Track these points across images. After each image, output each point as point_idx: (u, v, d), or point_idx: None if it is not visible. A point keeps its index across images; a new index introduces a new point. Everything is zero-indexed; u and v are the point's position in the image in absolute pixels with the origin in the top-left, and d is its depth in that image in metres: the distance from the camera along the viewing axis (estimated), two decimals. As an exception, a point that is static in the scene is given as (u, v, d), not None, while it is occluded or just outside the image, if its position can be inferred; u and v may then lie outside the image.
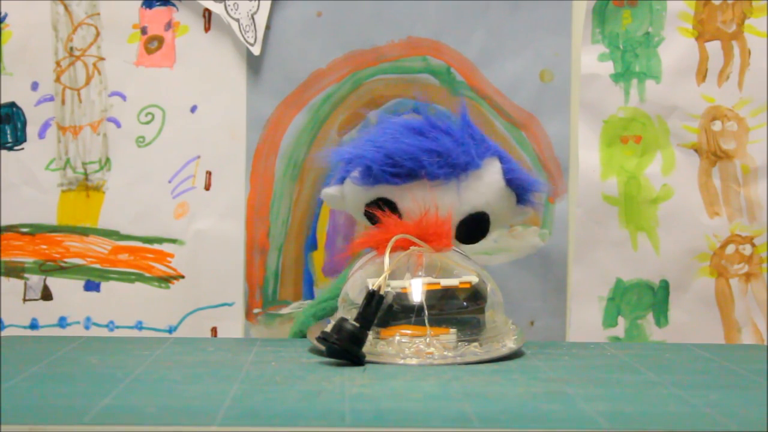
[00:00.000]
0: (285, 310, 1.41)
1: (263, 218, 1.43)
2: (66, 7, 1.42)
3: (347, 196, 1.28)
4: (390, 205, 1.25)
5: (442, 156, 1.24)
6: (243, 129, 1.42)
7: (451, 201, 1.25)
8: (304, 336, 1.30)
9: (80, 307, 1.42)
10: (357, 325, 1.13)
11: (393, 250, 1.18)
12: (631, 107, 1.42)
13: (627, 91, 1.42)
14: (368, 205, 1.26)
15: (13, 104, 1.42)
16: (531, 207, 1.31)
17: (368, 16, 1.42)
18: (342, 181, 1.29)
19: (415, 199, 1.24)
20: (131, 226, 1.43)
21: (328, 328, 1.17)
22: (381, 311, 1.14)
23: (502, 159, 1.28)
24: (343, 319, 1.14)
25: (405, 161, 1.24)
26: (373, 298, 1.14)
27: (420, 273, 1.18)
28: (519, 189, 1.29)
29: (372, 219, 1.26)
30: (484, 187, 1.26)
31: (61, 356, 1.17)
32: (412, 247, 1.20)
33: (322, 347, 1.14)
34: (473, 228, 1.27)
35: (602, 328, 1.43)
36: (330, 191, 1.30)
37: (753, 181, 1.42)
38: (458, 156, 1.25)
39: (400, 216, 1.25)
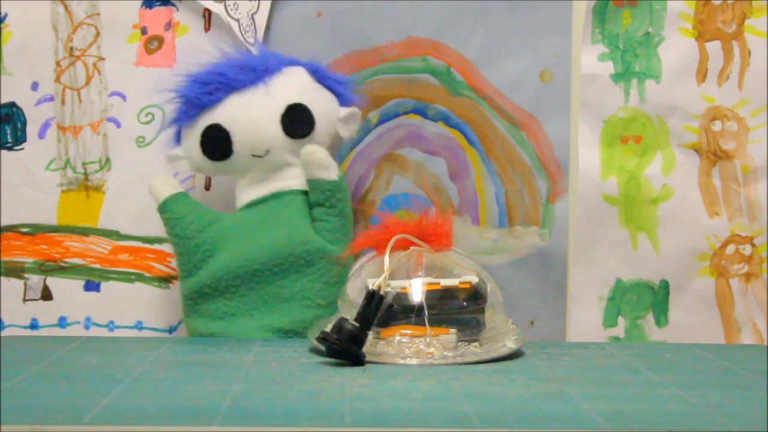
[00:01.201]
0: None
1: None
2: (66, 7, 1.42)
3: (184, 147, 1.35)
4: (218, 131, 1.33)
5: (242, 66, 1.33)
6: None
7: (262, 100, 1.33)
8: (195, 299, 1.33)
9: (80, 307, 1.42)
10: (357, 325, 1.13)
11: (393, 250, 1.18)
12: (631, 107, 1.42)
13: (627, 91, 1.42)
14: (203, 135, 1.33)
15: (13, 104, 1.42)
16: (355, 104, 1.37)
17: (368, 16, 1.42)
18: (178, 141, 1.36)
19: (233, 109, 1.32)
20: (131, 226, 1.43)
21: (328, 328, 1.17)
22: (381, 311, 1.14)
23: (307, 66, 1.36)
24: (343, 319, 1.14)
25: (211, 76, 1.33)
26: (373, 298, 1.14)
27: (420, 273, 1.18)
28: (330, 82, 1.36)
29: (208, 151, 1.33)
30: (293, 82, 1.34)
31: (61, 356, 1.17)
32: (412, 247, 1.20)
33: (322, 347, 1.14)
34: (297, 119, 1.33)
35: (602, 328, 1.43)
36: (173, 152, 1.36)
37: (753, 181, 1.42)
38: (257, 62, 1.34)
39: (229, 137, 1.32)
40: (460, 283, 1.18)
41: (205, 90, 1.33)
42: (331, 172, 1.33)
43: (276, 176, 1.35)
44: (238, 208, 1.36)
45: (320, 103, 1.35)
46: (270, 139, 1.33)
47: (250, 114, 1.33)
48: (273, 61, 1.35)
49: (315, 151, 1.32)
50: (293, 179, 1.35)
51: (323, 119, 1.34)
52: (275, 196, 1.35)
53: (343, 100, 1.36)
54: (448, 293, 1.18)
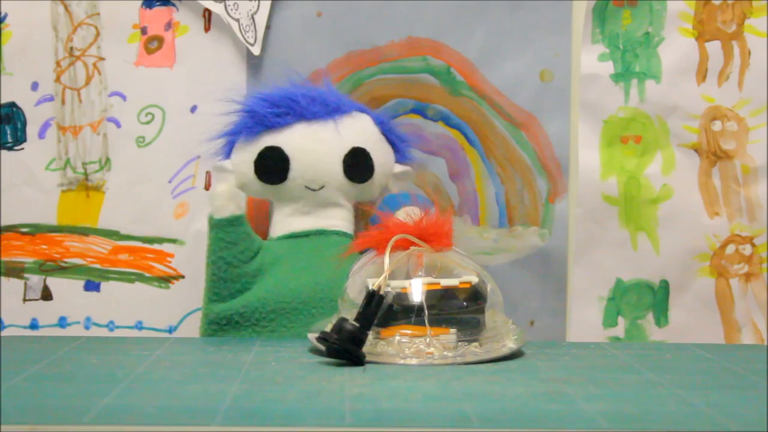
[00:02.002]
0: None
1: (263, 218, 1.42)
2: (66, 7, 1.42)
3: (235, 162, 1.33)
4: (278, 154, 1.31)
5: (315, 98, 1.33)
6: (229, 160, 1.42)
7: (330, 135, 1.32)
8: (221, 326, 1.30)
9: (80, 307, 1.42)
10: (357, 325, 1.13)
11: (393, 250, 1.18)
12: (631, 107, 1.42)
13: (627, 91, 1.42)
14: (258, 156, 1.31)
15: (13, 104, 1.42)
16: (410, 163, 1.37)
17: (368, 16, 1.42)
18: (229, 154, 1.35)
19: (299, 138, 1.31)
20: (131, 226, 1.43)
21: (328, 328, 1.17)
22: (381, 311, 1.14)
23: (370, 114, 1.36)
24: (343, 319, 1.13)
25: (281, 99, 1.32)
26: (373, 298, 1.14)
27: (420, 273, 1.18)
28: (394, 138, 1.36)
29: (262, 172, 1.32)
30: (360, 129, 1.34)
31: (61, 356, 1.17)
32: (412, 247, 1.20)
33: (322, 347, 1.14)
34: (358, 163, 1.32)
35: (602, 328, 1.43)
36: (221, 164, 1.35)
37: (753, 181, 1.42)
38: (330, 98, 1.33)
39: (288, 163, 1.30)
40: (460, 283, 1.18)
41: (275, 111, 1.32)
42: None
43: (323, 213, 1.34)
44: (277, 236, 1.34)
45: (381, 153, 1.34)
46: (328, 175, 1.32)
47: (316, 146, 1.32)
48: (345, 101, 1.35)
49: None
50: (341, 220, 1.34)
51: (380, 170, 1.34)
52: (320, 233, 1.33)
53: (400, 157, 1.37)
54: (448, 293, 1.18)
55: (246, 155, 1.33)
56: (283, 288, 1.30)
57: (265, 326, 1.29)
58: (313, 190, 1.32)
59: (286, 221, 1.34)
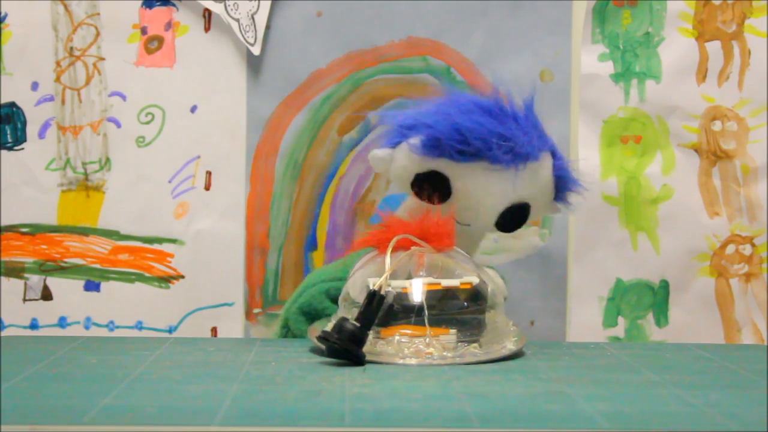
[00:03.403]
0: (285, 310, 1.41)
1: (263, 218, 1.43)
2: (66, 7, 1.42)
3: (398, 161, 1.24)
4: (441, 181, 1.23)
5: (509, 142, 1.21)
6: (243, 129, 1.42)
7: (504, 188, 1.22)
8: (292, 335, 1.29)
9: (80, 307, 1.42)
10: (357, 324, 1.13)
11: (394, 249, 1.18)
12: (631, 107, 1.42)
13: (627, 91, 1.42)
14: (419, 175, 1.23)
15: (13, 104, 1.42)
16: (564, 206, 1.28)
17: (368, 16, 1.42)
18: (395, 145, 1.25)
19: (471, 180, 1.22)
20: (131, 226, 1.43)
21: (329, 327, 1.17)
22: (382, 311, 1.14)
23: (554, 155, 1.26)
24: (343, 319, 1.13)
25: (475, 140, 1.20)
26: (374, 298, 1.14)
27: (421, 273, 1.18)
28: (562, 187, 1.27)
29: (419, 191, 1.24)
30: (537, 181, 1.24)
31: (61, 356, 1.17)
32: (413, 247, 1.20)
33: (323, 347, 1.14)
34: (513, 218, 1.25)
35: (602, 328, 1.43)
36: (379, 153, 1.25)
37: (753, 181, 1.42)
38: (523, 145, 1.21)
39: (449, 194, 1.22)
40: (461, 283, 1.18)
41: (459, 147, 1.21)
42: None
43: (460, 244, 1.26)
44: None
45: (542, 203, 1.26)
46: (480, 221, 1.25)
47: (483, 198, 1.23)
48: (538, 146, 1.23)
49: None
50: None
51: (533, 214, 1.27)
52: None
53: (559, 199, 1.28)
54: (448, 293, 1.18)
55: (412, 162, 1.24)
56: None
57: None
58: (458, 222, 1.24)
59: None
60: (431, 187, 1.23)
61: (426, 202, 1.24)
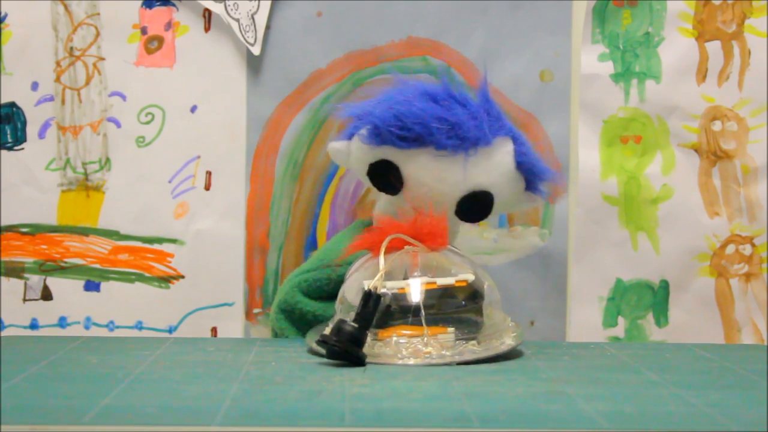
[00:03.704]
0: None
1: (263, 218, 1.43)
2: (66, 7, 1.42)
3: (353, 153, 1.26)
4: (393, 169, 1.23)
5: (453, 127, 1.20)
6: (243, 129, 1.42)
7: (455, 175, 1.22)
8: (290, 311, 1.28)
9: (80, 307, 1.42)
10: (355, 326, 1.13)
11: (388, 250, 1.18)
12: (631, 107, 1.42)
13: (627, 91, 1.42)
14: (372, 165, 1.24)
15: (13, 104, 1.42)
16: (540, 196, 1.27)
17: (368, 16, 1.42)
18: (350, 137, 1.26)
19: (420, 167, 1.22)
20: (131, 226, 1.43)
21: (327, 330, 1.17)
22: (378, 312, 1.14)
23: (515, 140, 1.24)
24: (342, 321, 1.13)
25: (414, 125, 1.20)
26: (369, 298, 1.14)
27: (416, 273, 1.18)
28: (529, 174, 1.25)
29: (375, 181, 1.25)
30: (492, 167, 1.23)
31: (61, 356, 1.17)
32: (406, 247, 1.20)
33: (323, 350, 1.14)
34: (475, 206, 1.24)
35: (602, 328, 1.43)
36: (336, 145, 1.27)
37: (753, 181, 1.42)
38: (469, 129, 1.20)
39: (401, 183, 1.23)
40: (457, 281, 1.18)
41: (400, 133, 1.21)
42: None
43: None
44: None
45: (506, 191, 1.24)
46: (439, 209, 1.22)
47: (435, 184, 1.22)
48: (488, 129, 1.22)
49: None
50: None
51: (500, 207, 1.26)
52: None
53: (530, 189, 1.27)
54: (446, 292, 1.18)
55: (363, 152, 1.25)
56: None
57: None
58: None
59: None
60: (385, 176, 1.23)
61: (381, 191, 1.25)
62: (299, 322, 1.29)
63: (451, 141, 1.21)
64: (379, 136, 1.22)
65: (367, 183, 1.28)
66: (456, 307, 1.18)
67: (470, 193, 1.23)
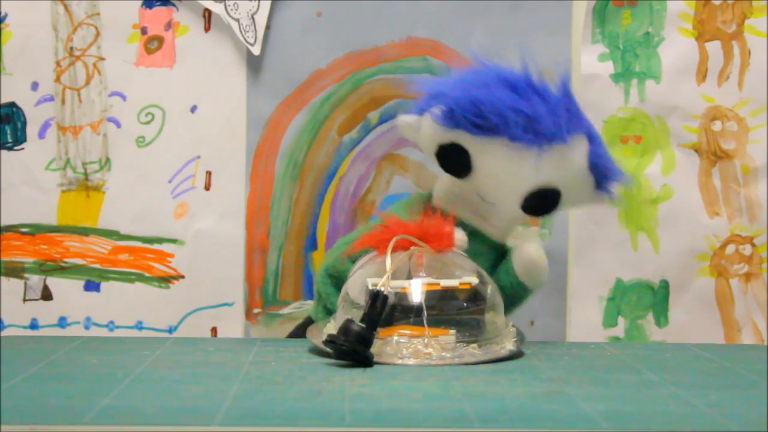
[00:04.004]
0: (285, 310, 1.41)
1: (263, 218, 1.43)
2: (66, 7, 1.42)
3: (423, 129, 1.22)
4: (463, 154, 1.20)
5: (530, 120, 1.16)
6: (243, 129, 1.42)
7: (526, 169, 1.18)
8: (338, 276, 1.26)
9: (80, 307, 1.42)
10: (363, 325, 1.12)
11: (394, 250, 1.18)
12: (631, 107, 1.42)
13: (627, 91, 1.42)
14: (442, 147, 1.20)
15: (13, 104, 1.42)
16: (608, 196, 1.24)
17: (368, 16, 1.42)
18: (422, 112, 1.22)
19: (491, 156, 1.18)
20: (131, 226, 1.43)
21: (329, 328, 1.17)
22: (385, 311, 1.14)
23: (591, 140, 1.21)
24: (349, 321, 1.13)
25: (491, 114, 1.16)
26: (377, 298, 1.13)
27: (420, 273, 1.18)
28: (600, 175, 1.22)
29: (443, 162, 1.21)
30: (566, 165, 1.19)
31: (61, 356, 1.17)
32: (412, 248, 1.20)
33: (330, 350, 1.13)
34: (542, 202, 1.21)
35: (602, 328, 1.43)
36: (406, 119, 1.23)
37: (753, 181, 1.42)
38: (547, 125, 1.16)
39: (470, 168, 1.19)
40: (460, 284, 1.18)
41: (475, 120, 1.16)
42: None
43: (484, 218, 1.25)
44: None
45: (576, 191, 1.22)
46: (505, 202, 1.21)
47: (504, 177, 1.19)
48: (565, 127, 1.17)
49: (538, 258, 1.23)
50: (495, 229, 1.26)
51: (567, 204, 1.23)
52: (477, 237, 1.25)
53: (600, 189, 1.23)
54: (448, 294, 1.17)
55: (434, 131, 1.20)
56: None
57: None
58: (484, 200, 1.23)
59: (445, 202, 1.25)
60: (454, 159, 1.20)
61: (447, 172, 1.22)
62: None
63: (527, 134, 1.16)
64: (453, 119, 1.18)
65: (433, 161, 1.23)
66: (458, 309, 1.18)
67: (539, 189, 1.20)
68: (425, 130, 1.22)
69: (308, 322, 1.31)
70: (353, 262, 1.25)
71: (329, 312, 1.26)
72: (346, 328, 1.12)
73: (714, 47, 1.42)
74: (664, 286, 1.42)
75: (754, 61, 1.42)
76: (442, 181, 1.27)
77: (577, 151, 1.19)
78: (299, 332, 1.32)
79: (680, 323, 1.43)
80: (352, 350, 1.11)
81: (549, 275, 1.42)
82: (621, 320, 1.43)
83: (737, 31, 1.42)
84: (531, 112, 1.16)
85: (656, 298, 1.43)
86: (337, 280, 1.27)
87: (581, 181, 1.22)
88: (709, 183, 1.42)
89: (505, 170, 1.19)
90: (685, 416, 0.92)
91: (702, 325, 1.42)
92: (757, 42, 1.42)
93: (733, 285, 1.42)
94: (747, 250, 1.42)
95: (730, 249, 1.42)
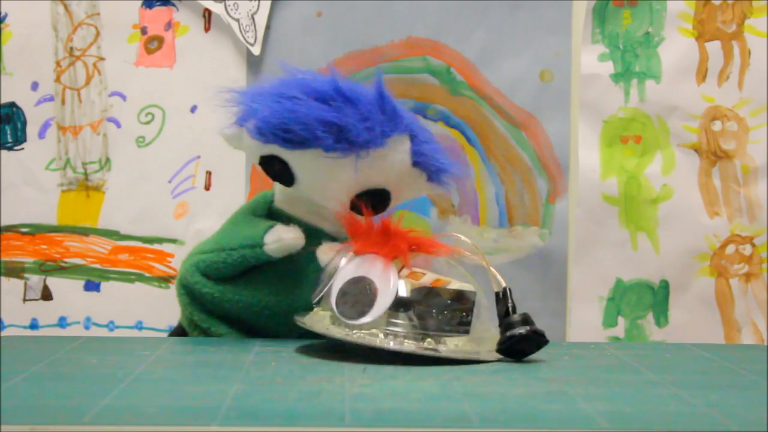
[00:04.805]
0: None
1: (263, 218, 1.42)
2: (66, 7, 1.42)
3: (244, 141, 1.20)
4: (284, 164, 1.18)
5: (341, 129, 1.14)
6: (243, 129, 1.42)
7: (346, 175, 1.17)
8: (189, 288, 1.24)
9: (80, 307, 1.42)
10: (521, 315, 1.15)
11: (385, 253, 1.16)
12: (631, 107, 1.42)
13: (627, 91, 1.42)
14: (262, 158, 1.19)
15: (13, 104, 1.42)
16: (444, 187, 1.22)
17: (368, 16, 1.42)
18: (241, 124, 1.19)
19: (309, 166, 1.17)
20: (131, 226, 1.43)
21: (319, 323, 1.16)
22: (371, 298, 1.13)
23: (413, 138, 1.18)
24: (523, 314, 1.15)
25: (298, 128, 1.14)
26: (505, 294, 1.16)
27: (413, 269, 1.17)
28: (429, 170, 1.20)
29: (268, 172, 1.20)
30: (386, 167, 1.17)
31: (61, 356, 1.17)
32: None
33: (511, 342, 1.13)
34: (370, 201, 1.19)
35: (602, 328, 1.43)
36: (228, 131, 1.20)
37: (753, 181, 1.42)
38: (359, 133, 1.14)
39: (292, 177, 1.18)
40: (438, 280, 1.17)
41: (284, 136, 1.15)
42: None
43: (325, 223, 1.24)
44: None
45: (405, 185, 1.20)
46: (336, 203, 1.20)
47: (326, 183, 1.18)
48: (382, 129, 1.15)
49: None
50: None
51: (400, 199, 1.22)
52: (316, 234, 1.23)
53: (434, 181, 1.22)
54: (431, 291, 1.16)
55: (252, 146, 1.19)
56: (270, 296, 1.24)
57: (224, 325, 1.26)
58: (314, 203, 1.22)
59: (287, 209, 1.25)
60: (276, 169, 1.19)
61: (275, 181, 1.20)
62: (198, 301, 1.25)
63: (340, 144, 1.14)
64: (264, 135, 1.16)
65: (262, 171, 1.22)
66: (443, 307, 1.17)
67: (365, 191, 1.19)
68: (246, 142, 1.20)
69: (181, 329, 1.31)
70: (203, 274, 1.23)
71: (194, 320, 1.26)
72: (525, 318, 1.15)
73: (714, 47, 1.42)
74: (664, 286, 1.42)
75: (754, 61, 1.42)
76: (276, 190, 1.26)
77: (398, 152, 1.17)
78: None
79: (680, 323, 1.43)
80: (537, 333, 1.14)
81: (549, 275, 1.43)
82: (621, 320, 1.43)
83: (737, 31, 1.42)
84: (340, 121, 1.14)
85: (656, 298, 1.43)
86: (190, 291, 1.25)
87: (409, 178, 1.20)
88: (709, 183, 1.42)
89: (325, 178, 1.18)
90: (685, 416, 0.92)
91: (702, 325, 1.42)
92: (757, 42, 1.42)
93: (733, 285, 1.42)
94: (747, 250, 1.42)
95: (730, 249, 1.42)
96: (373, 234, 1.16)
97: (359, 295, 1.13)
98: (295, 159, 1.17)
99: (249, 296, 1.23)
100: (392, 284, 1.13)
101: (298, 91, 1.16)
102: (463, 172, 1.27)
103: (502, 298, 1.16)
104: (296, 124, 1.14)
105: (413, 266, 1.15)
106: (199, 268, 1.24)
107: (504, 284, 1.15)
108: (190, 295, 1.26)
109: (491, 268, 1.15)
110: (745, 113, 1.42)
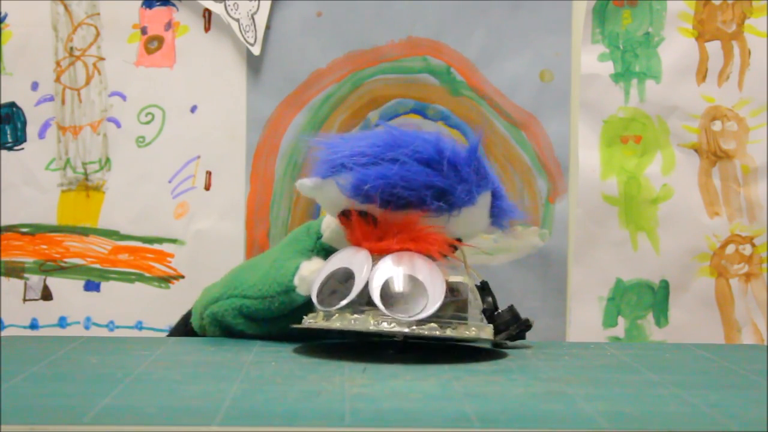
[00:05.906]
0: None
1: (263, 218, 1.43)
2: (66, 7, 1.42)
3: (326, 193, 1.19)
4: (371, 217, 1.17)
5: (443, 192, 1.15)
6: (243, 129, 1.42)
7: (435, 229, 1.17)
8: (226, 325, 1.26)
9: (80, 307, 1.42)
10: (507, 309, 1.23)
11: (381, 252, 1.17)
12: (631, 107, 1.42)
13: (627, 91, 1.42)
14: (348, 211, 1.18)
15: (13, 104, 1.42)
16: (501, 230, 1.24)
17: (368, 16, 1.42)
18: (325, 176, 1.18)
19: (399, 220, 1.16)
20: (131, 226, 1.43)
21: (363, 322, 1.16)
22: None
23: (495, 195, 1.21)
24: (511, 307, 1.23)
25: (406, 193, 1.14)
26: (485, 288, 1.23)
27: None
28: (496, 219, 1.22)
29: (346, 220, 1.19)
30: (471, 223, 1.20)
31: (61, 356, 1.17)
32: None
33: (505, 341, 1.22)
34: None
35: (602, 328, 1.43)
36: (309, 183, 1.20)
37: (753, 181, 1.42)
38: (459, 195, 1.16)
39: (375, 225, 1.17)
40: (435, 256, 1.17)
41: (389, 198, 1.15)
42: None
43: None
44: None
45: (475, 233, 1.22)
46: None
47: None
48: (476, 190, 1.17)
49: None
50: None
51: (465, 240, 1.22)
52: None
53: (496, 225, 1.23)
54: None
55: (340, 199, 1.18)
56: None
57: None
58: None
59: None
60: (358, 219, 1.18)
61: (349, 231, 1.19)
62: (231, 331, 1.27)
63: (437, 203, 1.15)
64: (362, 194, 1.15)
65: (333, 216, 1.21)
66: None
67: None
68: (328, 194, 1.19)
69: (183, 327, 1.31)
70: (245, 317, 1.25)
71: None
72: (514, 312, 1.23)
73: (714, 47, 1.42)
74: (664, 286, 1.42)
75: (754, 61, 1.42)
76: (330, 220, 1.24)
77: (482, 207, 1.19)
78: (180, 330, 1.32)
79: (680, 323, 1.43)
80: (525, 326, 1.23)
81: (549, 275, 1.43)
82: (621, 320, 1.43)
83: (737, 31, 1.42)
84: (444, 185, 1.15)
85: (656, 298, 1.43)
86: (226, 327, 1.27)
87: (481, 227, 1.22)
88: (709, 183, 1.42)
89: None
90: (685, 416, 0.92)
91: (702, 325, 1.42)
92: (757, 42, 1.42)
93: (733, 285, 1.42)
94: (747, 250, 1.42)
95: (730, 249, 1.42)
96: (396, 231, 1.17)
97: (411, 293, 1.14)
98: (387, 215, 1.16)
99: (287, 328, 1.23)
100: (440, 282, 1.15)
101: (400, 152, 1.16)
102: (522, 216, 1.29)
103: (483, 291, 1.22)
104: (403, 189, 1.14)
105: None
106: (242, 312, 1.25)
107: (480, 279, 1.22)
108: (222, 328, 1.27)
109: (467, 262, 1.20)
110: (745, 113, 1.42)
